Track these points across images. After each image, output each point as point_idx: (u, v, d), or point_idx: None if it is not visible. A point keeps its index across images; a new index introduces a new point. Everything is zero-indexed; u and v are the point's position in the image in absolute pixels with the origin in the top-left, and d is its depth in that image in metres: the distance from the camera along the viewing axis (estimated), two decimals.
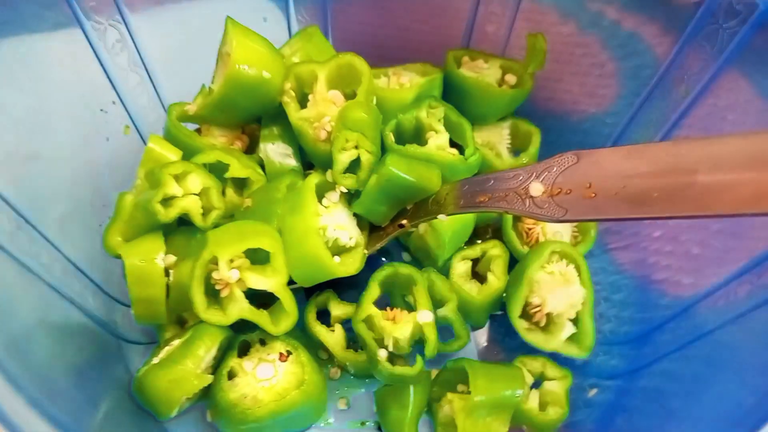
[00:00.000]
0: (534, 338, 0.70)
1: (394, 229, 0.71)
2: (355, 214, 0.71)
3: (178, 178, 0.68)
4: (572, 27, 0.79)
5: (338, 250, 0.69)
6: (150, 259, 0.65)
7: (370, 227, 0.73)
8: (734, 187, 0.50)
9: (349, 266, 0.68)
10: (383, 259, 0.82)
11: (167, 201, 0.67)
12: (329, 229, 0.68)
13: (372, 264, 0.82)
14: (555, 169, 0.59)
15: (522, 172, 0.61)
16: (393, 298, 0.71)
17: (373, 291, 0.66)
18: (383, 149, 0.73)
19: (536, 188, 0.59)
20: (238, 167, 0.72)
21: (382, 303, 0.69)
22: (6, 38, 0.60)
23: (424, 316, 0.65)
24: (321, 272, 0.66)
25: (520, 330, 0.70)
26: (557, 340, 0.69)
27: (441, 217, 0.66)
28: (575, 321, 0.70)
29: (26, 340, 0.51)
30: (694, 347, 0.62)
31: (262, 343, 0.68)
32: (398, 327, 0.64)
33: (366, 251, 0.70)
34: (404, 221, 0.70)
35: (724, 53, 0.65)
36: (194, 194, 0.69)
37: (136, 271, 0.64)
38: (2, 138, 0.57)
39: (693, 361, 0.61)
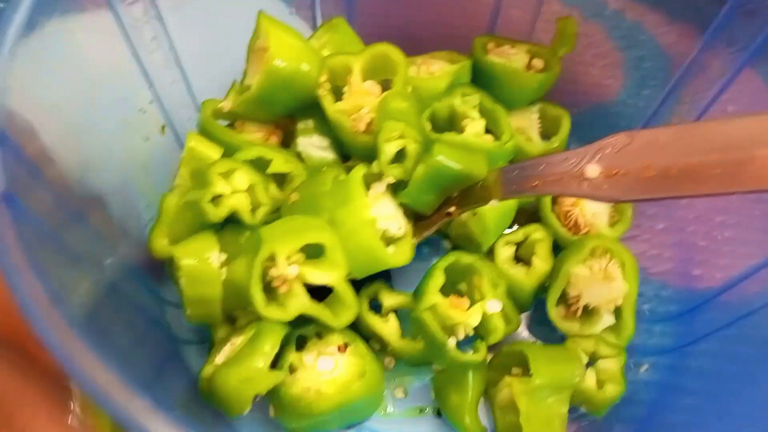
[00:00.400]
0: (569, 327, 0.71)
1: (441, 218, 0.71)
2: (401, 204, 0.71)
3: (224, 176, 0.67)
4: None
5: (387, 240, 0.69)
6: (205, 259, 0.64)
7: (414, 216, 0.73)
8: None
9: (401, 256, 0.68)
10: (425, 248, 0.83)
11: (216, 200, 0.66)
12: (379, 220, 0.68)
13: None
14: (609, 150, 0.60)
15: (572, 155, 0.62)
16: (444, 286, 0.72)
17: (438, 279, 0.67)
18: None
19: (593, 170, 0.59)
20: (281, 162, 0.71)
21: None
22: (40, 31, 0.58)
23: (494, 306, 0.66)
24: (376, 263, 0.66)
25: (554, 319, 0.71)
26: (593, 330, 0.71)
27: (492, 202, 0.66)
28: (615, 312, 0.72)
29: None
30: (746, 325, 0.64)
31: (319, 336, 0.68)
32: (469, 316, 0.64)
33: (414, 240, 0.71)
34: (451, 209, 0.71)
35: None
36: (242, 191, 0.68)
37: (192, 271, 0.64)
38: (57, 140, 0.55)
39: (748, 340, 0.63)
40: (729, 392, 0.61)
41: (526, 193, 0.65)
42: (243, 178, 0.68)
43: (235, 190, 0.68)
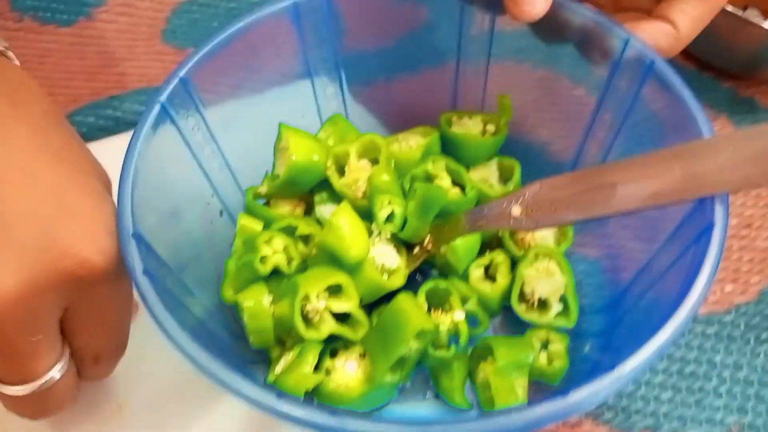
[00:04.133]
0: (530, 316, 0.95)
1: (423, 253, 0.98)
2: (399, 241, 0.98)
3: (267, 242, 0.96)
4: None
5: (386, 272, 0.96)
6: (260, 301, 0.93)
7: (406, 253, 1.00)
8: (639, 190, 0.77)
9: (396, 281, 0.94)
10: (418, 275, 1.09)
11: (263, 259, 0.95)
12: (377, 258, 0.95)
13: (410, 281, 1.08)
14: (526, 195, 0.86)
15: (505, 201, 0.87)
16: (431, 306, 0.97)
17: (420, 299, 0.93)
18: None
19: (516, 210, 0.85)
20: (304, 227, 0.99)
21: None
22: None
23: (458, 315, 0.91)
24: (377, 289, 0.93)
25: (519, 312, 0.95)
26: (548, 316, 0.94)
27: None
28: (562, 300, 0.97)
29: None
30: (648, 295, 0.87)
31: (346, 347, 0.95)
32: (441, 323, 0.90)
33: (406, 270, 0.98)
34: (429, 246, 0.98)
35: None
36: (280, 252, 0.97)
37: (252, 311, 0.92)
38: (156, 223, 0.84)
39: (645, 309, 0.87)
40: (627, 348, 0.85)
41: (478, 230, 0.92)
42: (279, 242, 0.96)
43: (275, 251, 0.96)
